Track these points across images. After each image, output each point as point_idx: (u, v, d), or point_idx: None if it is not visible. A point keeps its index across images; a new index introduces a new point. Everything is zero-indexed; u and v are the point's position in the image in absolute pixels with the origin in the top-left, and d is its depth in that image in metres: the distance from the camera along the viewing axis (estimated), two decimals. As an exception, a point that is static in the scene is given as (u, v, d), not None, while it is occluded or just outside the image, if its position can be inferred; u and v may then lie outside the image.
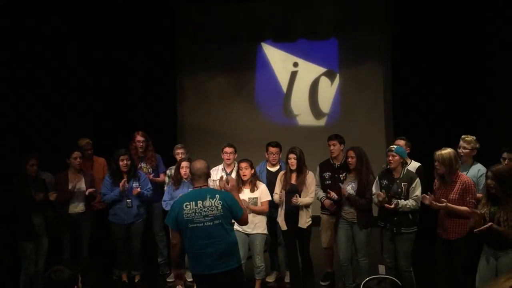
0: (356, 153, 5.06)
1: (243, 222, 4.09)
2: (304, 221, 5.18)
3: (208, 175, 4.11)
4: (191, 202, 3.85)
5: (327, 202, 5.39)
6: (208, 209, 3.82)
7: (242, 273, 4.16)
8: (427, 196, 4.54)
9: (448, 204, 4.44)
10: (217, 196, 3.88)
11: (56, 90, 6.73)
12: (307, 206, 5.22)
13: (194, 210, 3.82)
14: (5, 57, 5.97)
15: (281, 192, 5.26)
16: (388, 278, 2.26)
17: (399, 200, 4.71)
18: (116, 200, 5.56)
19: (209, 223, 3.81)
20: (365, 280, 2.37)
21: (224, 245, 3.85)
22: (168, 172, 5.95)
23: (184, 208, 3.84)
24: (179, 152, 5.89)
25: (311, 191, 5.22)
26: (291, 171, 5.23)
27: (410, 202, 4.71)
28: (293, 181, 5.21)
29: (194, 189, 4.03)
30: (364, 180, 5.03)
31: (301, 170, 5.20)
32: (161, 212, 5.95)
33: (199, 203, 3.83)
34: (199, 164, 4.01)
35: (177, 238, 3.95)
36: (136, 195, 5.57)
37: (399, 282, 2.19)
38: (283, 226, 5.26)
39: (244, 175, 5.23)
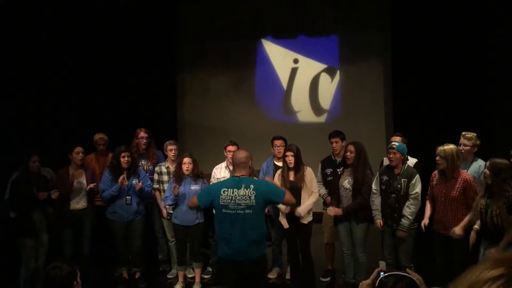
0: (356, 148, 5.04)
1: (288, 203, 4.24)
2: (306, 217, 5.18)
3: (248, 165, 4.19)
4: (229, 189, 4.03)
5: (328, 199, 5.39)
6: (241, 198, 3.98)
7: (265, 263, 4.34)
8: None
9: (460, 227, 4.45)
10: (252, 186, 4.02)
11: (56, 89, 6.73)
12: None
13: (230, 197, 4.00)
14: (6, 56, 5.98)
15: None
16: (407, 277, 2.22)
17: (400, 223, 4.76)
18: (115, 197, 5.54)
19: (241, 212, 3.98)
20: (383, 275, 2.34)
21: (251, 235, 3.99)
22: (157, 169, 5.89)
23: (222, 193, 4.03)
24: (172, 149, 5.80)
25: (313, 188, 5.20)
26: (289, 168, 5.21)
27: (408, 213, 4.74)
28: (292, 178, 5.18)
29: (233, 177, 4.19)
30: (359, 176, 5.01)
31: (298, 167, 5.18)
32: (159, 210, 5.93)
33: (235, 191, 4.00)
34: (240, 154, 4.19)
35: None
36: (138, 191, 5.55)
37: (417, 283, 2.15)
38: (285, 225, 5.24)
39: None
